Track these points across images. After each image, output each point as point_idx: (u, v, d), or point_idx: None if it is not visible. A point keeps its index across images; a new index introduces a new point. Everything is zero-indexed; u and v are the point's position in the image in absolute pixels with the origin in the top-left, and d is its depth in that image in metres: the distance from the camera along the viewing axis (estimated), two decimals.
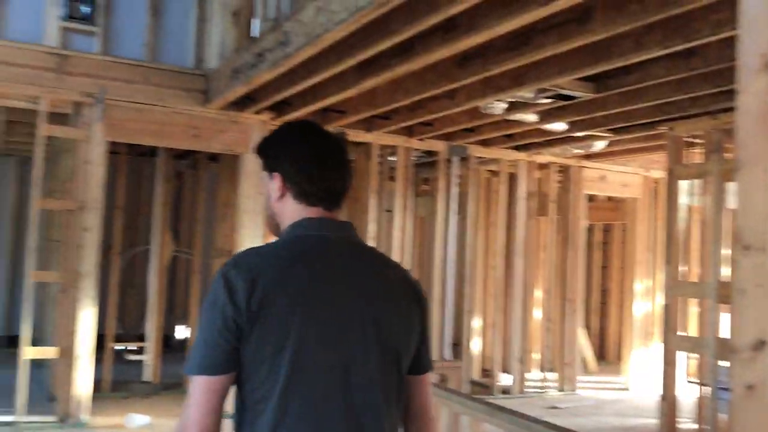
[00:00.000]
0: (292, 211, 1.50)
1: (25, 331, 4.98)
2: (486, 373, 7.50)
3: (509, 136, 6.47)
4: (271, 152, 1.54)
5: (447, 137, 6.55)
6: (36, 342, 6.90)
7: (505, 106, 5.17)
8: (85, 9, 5.33)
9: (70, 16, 5.29)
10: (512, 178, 7.25)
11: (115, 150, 6.60)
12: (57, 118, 5.55)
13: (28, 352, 4.99)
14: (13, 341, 7.89)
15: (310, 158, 1.50)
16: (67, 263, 5.37)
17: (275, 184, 1.51)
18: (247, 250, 1.46)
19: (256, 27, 4.67)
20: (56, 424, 5.06)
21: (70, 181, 5.56)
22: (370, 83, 4.44)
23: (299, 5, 3.78)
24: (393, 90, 4.96)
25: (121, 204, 6.90)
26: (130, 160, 7.86)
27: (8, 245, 8.28)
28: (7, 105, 5.07)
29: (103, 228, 5.32)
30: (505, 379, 7.09)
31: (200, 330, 1.39)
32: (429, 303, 1.35)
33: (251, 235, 5.59)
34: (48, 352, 5.35)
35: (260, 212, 5.59)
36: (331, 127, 5.92)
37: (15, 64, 4.87)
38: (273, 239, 1.55)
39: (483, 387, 7.03)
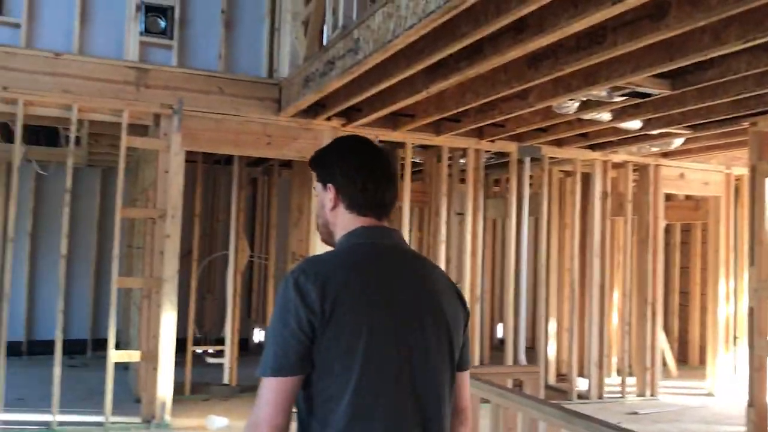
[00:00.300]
0: (344, 220, 1.61)
1: (111, 336, 5.18)
2: (561, 377, 7.37)
3: (583, 135, 6.35)
4: (325, 165, 1.65)
5: (518, 138, 6.47)
6: (120, 345, 7.16)
7: (578, 105, 5.08)
8: (161, 23, 5.51)
9: (148, 31, 5.48)
10: (586, 178, 7.11)
11: (191, 159, 6.81)
12: (137, 129, 5.76)
13: (115, 356, 5.19)
14: (97, 344, 8.24)
15: (362, 171, 1.60)
16: (149, 269, 5.56)
17: (329, 195, 1.62)
18: (311, 258, 1.56)
19: (326, 35, 4.74)
20: (141, 425, 5.25)
21: (150, 190, 5.76)
22: (439, 86, 4.43)
23: (368, 12, 3.81)
24: (462, 92, 4.94)
25: (198, 211, 7.10)
26: (206, 168, 8.09)
27: (93, 252, 8.63)
28: (92, 118, 5.29)
29: (182, 234, 5.49)
30: (581, 384, 6.94)
31: (272, 334, 1.46)
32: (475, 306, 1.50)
33: None
34: (133, 356, 5.56)
35: None
36: (401, 132, 5.95)
37: (98, 79, 5.09)
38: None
39: (559, 392, 6.91)
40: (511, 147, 6.59)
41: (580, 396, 6.80)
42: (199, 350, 7.06)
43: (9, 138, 7.01)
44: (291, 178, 7.46)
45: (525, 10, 3.06)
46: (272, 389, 1.43)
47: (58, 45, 5.20)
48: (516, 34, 3.54)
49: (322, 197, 1.64)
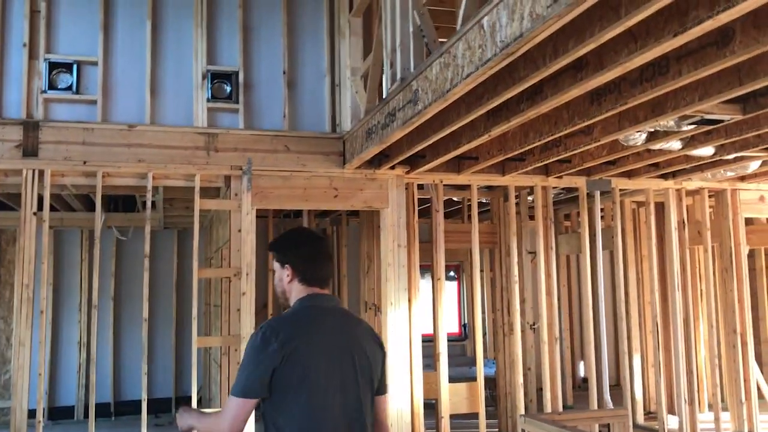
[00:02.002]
0: (298, 290, 2.33)
1: (194, 397, 5.26)
2: (650, 415, 7.08)
3: (654, 165, 6.20)
4: (283, 251, 2.37)
5: (586, 172, 6.37)
6: (202, 402, 7.28)
7: (646, 136, 4.97)
8: (227, 88, 5.71)
9: (214, 97, 5.68)
10: (661, 208, 6.92)
11: (261, 214, 6.95)
12: (209, 191, 5.94)
13: None
14: (181, 401, 8.40)
15: (309, 257, 2.34)
16: (227, 327, 5.66)
17: (286, 272, 2.33)
18: (275, 317, 2.32)
19: (385, 87, 4.80)
20: None
21: (225, 249, 5.89)
22: (501, 129, 4.42)
23: (425, 63, 3.86)
24: (525, 132, 4.91)
25: (271, 265, 7.20)
26: (276, 222, 8.24)
27: (172, 311, 8.86)
28: (166, 184, 5.48)
29: (256, 289, 5.57)
30: (672, 422, 6.64)
31: (244, 368, 2.12)
32: (385, 350, 2.45)
33: (396, 288, 5.65)
34: None
35: (403, 264, 5.67)
36: (465, 174, 5.94)
37: (171, 147, 5.29)
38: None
39: (649, 431, 6.63)
40: (580, 182, 6.48)
41: None
42: None
43: (90, 207, 7.33)
44: (359, 227, 7.52)
45: (583, 50, 3.03)
46: (238, 406, 2.08)
47: (131, 117, 5.43)
48: (576, 73, 3.51)
49: (280, 273, 2.34)
